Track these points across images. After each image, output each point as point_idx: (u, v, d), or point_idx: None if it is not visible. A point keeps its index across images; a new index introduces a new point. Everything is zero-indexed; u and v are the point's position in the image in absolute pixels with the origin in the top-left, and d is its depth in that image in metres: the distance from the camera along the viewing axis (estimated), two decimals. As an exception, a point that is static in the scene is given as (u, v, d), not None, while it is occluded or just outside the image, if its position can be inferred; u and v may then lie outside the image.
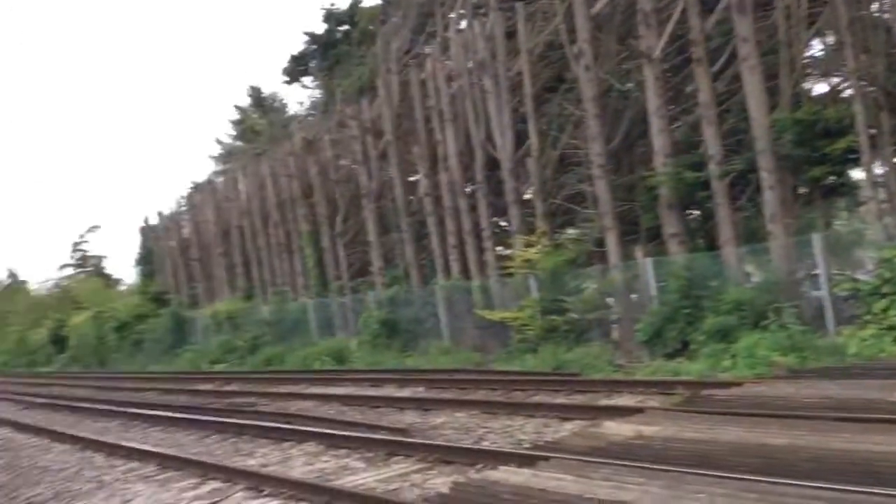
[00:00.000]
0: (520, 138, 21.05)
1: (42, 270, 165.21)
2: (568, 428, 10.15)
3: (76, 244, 60.51)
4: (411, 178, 26.17)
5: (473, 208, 22.38)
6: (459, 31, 24.52)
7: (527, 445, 9.44)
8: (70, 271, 59.68)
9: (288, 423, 13.11)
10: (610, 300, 18.10)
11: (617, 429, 8.93)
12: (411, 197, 25.23)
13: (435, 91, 23.29)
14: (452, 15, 26.38)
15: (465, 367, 17.88)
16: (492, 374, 16.11)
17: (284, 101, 43.68)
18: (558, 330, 17.40)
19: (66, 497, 10.98)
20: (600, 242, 18.96)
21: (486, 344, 19.88)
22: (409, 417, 12.67)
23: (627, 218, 19.40)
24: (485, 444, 9.80)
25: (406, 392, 15.34)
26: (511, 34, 21.38)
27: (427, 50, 26.91)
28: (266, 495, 8.91)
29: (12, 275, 64.96)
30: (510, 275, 19.88)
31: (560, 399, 12.48)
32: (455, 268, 22.54)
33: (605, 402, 11.68)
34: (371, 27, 32.22)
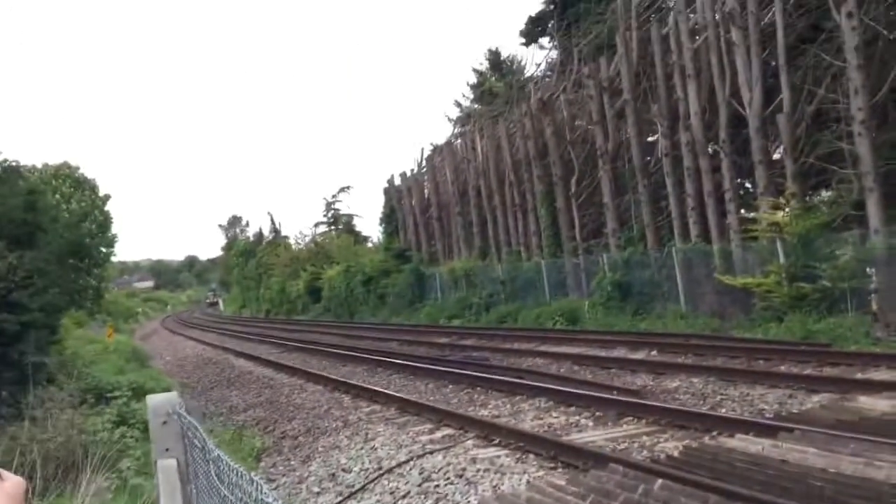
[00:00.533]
0: (769, 94, 19.70)
1: (299, 226, 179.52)
2: (815, 401, 9.53)
3: (329, 203, 64.97)
4: (649, 139, 25.42)
5: (716, 169, 21.31)
6: (706, -19, 23.24)
7: (768, 415, 8.97)
8: (323, 228, 64.32)
9: (519, 378, 13.38)
10: (869, 269, 16.58)
11: (872, 404, 8.26)
12: (648, 158, 24.50)
13: (677, 46, 22.32)
14: (698, -35, 25.07)
15: (701, 333, 17.27)
16: (731, 341, 15.41)
17: (523, 63, 43.86)
18: (807, 298, 16.26)
19: (316, 432, 11.98)
20: (859, 205, 17.37)
21: (725, 310, 19.02)
22: (642, 380, 12.48)
23: (892, 179, 17.61)
24: (721, 412, 9.45)
25: (639, 355, 15.09)
26: (763, -18, 19.92)
27: (670, 4, 25.82)
28: (496, 444, 9.18)
29: (275, 230, 71.09)
30: (754, 238, 18.81)
31: (808, 370, 11.70)
32: (694, 231, 21.67)
33: (859, 375, 10.79)
34: (612, -17, 31.46)
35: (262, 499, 2.13)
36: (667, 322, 19.59)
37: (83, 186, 46.14)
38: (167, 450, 4.12)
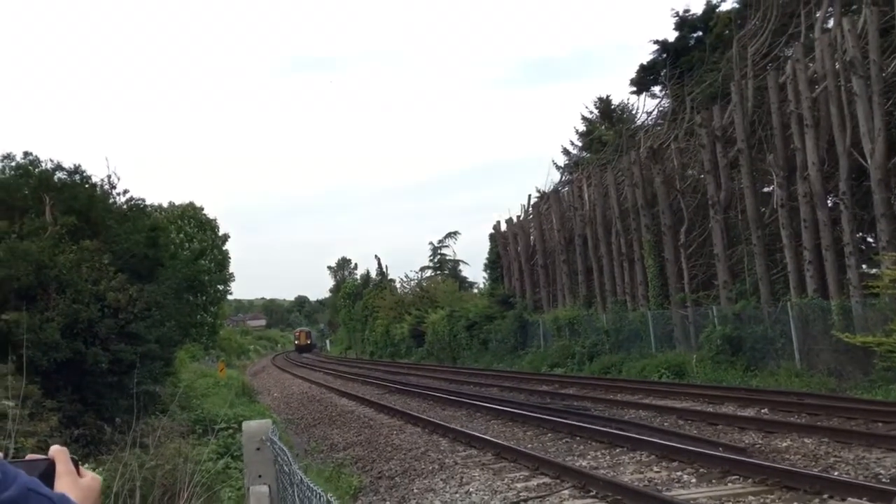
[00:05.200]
0: (892, 145, 18.84)
1: (405, 269, 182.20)
2: (939, 468, 8.89)
3: (436, 248, 65.75)
4: (764, 189, 24.65)
5: (835, 222, 20.45)
6: (826, 30, 22.61)
7: (885, 480, 8.43)
8: (429, 273, 64.98)
9: (621, 429, 13.05)
10: None
11: None
12: (763, 208, 23.74)
13: (794, 95, 21.69)
14: (818, 14, 24.40)
15: (817, 392, 16.43)
16: (848, 402, 14.60)
17: (633, 111, 43.54)
18: (934, 360, 15.30)
19: (412, 474, 11.99)
20: None
21: (842, 369, 18.07)
22: (750, 438, 11.96)
23: None
24: (834, 474, 8.93)
25: (748, 412, 14.49)
26: (886, 30, 19.21)
27: (787, 52, 25.18)
28: (592, 495, 8.96)
29: (382, 273, 72.27)
30: (876, 295, 17.87)
31: (932, 436, 10.94)
32: (810, 285, 20.76)
33: None
34: (727, 31, 30.94)
35: (335, 518, 2.16)
36: (779, 379, 18.76)
37: (205, 227, 48.30)
38: (260, 476, 4.22)
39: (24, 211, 16.48)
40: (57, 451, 1.20)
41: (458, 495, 9.90)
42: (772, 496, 8.26)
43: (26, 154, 19.17)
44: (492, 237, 44.25)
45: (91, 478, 1.22)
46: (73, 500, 0.96)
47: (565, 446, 12.75)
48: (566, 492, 9.29)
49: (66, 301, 13.76)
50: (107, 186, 20.39)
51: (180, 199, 64.89)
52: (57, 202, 16.61)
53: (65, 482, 1.15)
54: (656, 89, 37.81)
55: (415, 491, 10.78)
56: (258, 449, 4.16)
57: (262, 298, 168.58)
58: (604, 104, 46.02)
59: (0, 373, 9.01)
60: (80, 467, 1.23)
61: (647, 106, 77.58)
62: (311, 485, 2.55)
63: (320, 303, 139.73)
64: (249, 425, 4.30)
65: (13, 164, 18.81)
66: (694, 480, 9.42)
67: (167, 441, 11.78)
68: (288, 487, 3.40)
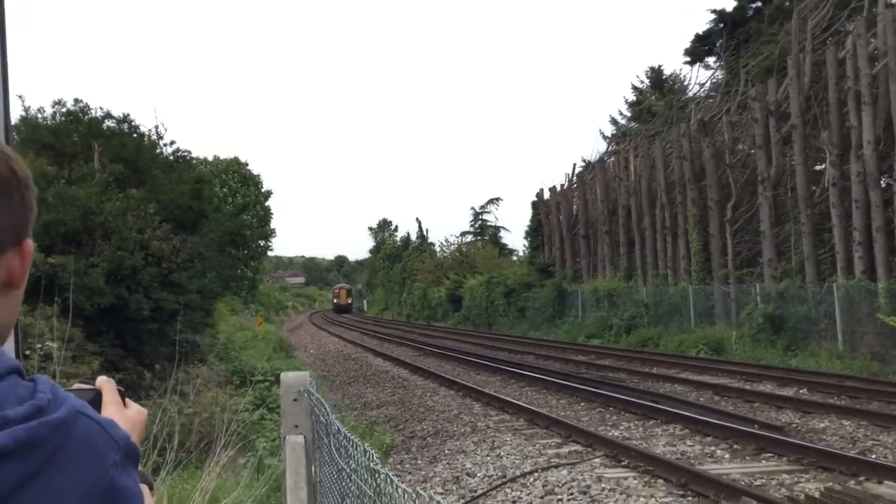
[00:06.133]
0: (955, 125, 18.26)
1: (445, 233, 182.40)
2: (982, 456, 8.70)
3: (477, 213, 65.51)
4: (816, 167, 24.08)
5: (887, 203, 19.94)
6: (890, 5, 21.83)
7: (924, 466, 8.27)
8: (469, 238, 64.89)
9: (655, 402, 12.98)
10: None
11: None
12: (814, 187, 23.21)
13: (853, 71, 21.05)
14: (884, -13, 23.58)
15: (858, 375, 16.15)
16: (890, 386, 14.30)
17: (685, 82, 42.69)
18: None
19: (444, 435, 12.07)
20: None
21: (886, 353, 17.73)
22: (787, 417, 11.81)
23: None
24: (871, 457, 8.79)
25: (786, 391, 14.30)
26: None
27: (848, 27, 24.40)
28: (624, 465, 8.94)
29: (422, 236, 72.41)
30: (926, 280, 17.45)
31: (977, 423, 10.70)
32: (858, 267, 20.32)
33: None
34: (787, 2, 30.07)
35: (371, 466, 2.15)
36: (820, 361, 18.47)
37: (249, 182, 48.70)
38: (296, 426, 4.25)
39: (73, 157, 16.75)
40: (104, 382, 1.20)
41: (488, 458, 9.94)
42: (806, 475, 8.16)
43: (77, 101, 19.44)
44: (534, 205, 43.98)
45: (137, 410, 1.23)
46: (121, 426, 0.95)
47: (598, 416, 12.72)
48: (598, 460, 9.27)
49: (112, 248, 14.00)
50: (154, 136, 20.63)
51: (225, 154, 65.50)
52: (105, 149, 16.84)
53: (111, 411, 1.14)
54: (710, 60, 37.04)
55: (446, 452, 10.85)
56: (295, 400, 4.18)
57: (302, 256, 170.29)
58: (655, 74, 45.24)
59: (46, 314, 9.20)
60: (126, 399, 1.23)
61: (699, 77, 76.13)
62: (350, 435, 2.54)
63: (359, 263, 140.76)
64: (287, 376, 4.33)
65: (63, 110, 19.08)
66: (727, 456, 9.34)
67: (205, 390, 12.00)
68: (324, 438, 3.41)
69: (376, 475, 2.13)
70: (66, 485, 0.85)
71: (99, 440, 0.90)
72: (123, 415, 1.16)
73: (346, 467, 2.67)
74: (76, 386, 1.20)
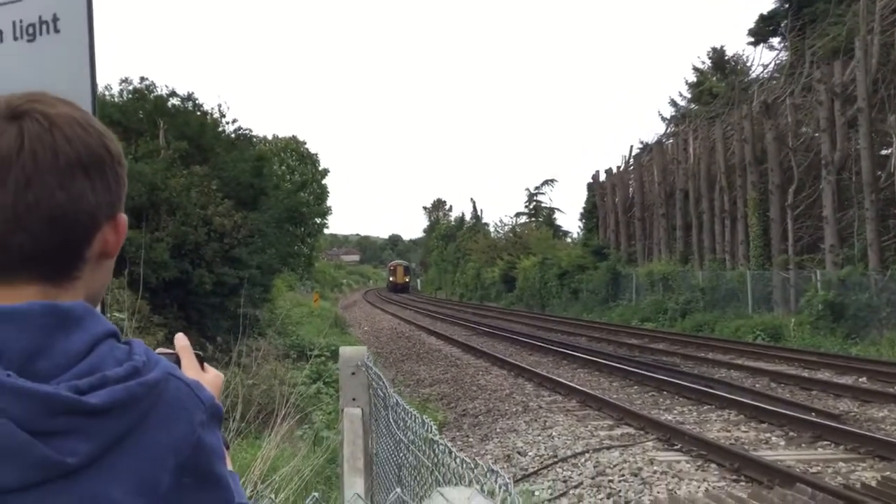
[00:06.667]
0: None
1: (500, 214, 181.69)
2: None
3: (532, 194, 65.22)
4: (882, 151, 23.42)
5: (957, 189, 19.34)
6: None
7: None
8: (524, 219, 64.71)
9: (709, 387, 12.89)
10: None
11: None
12: (880, 172, 22.59)
13: (925, 52, 20.43)
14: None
15: (921, 366, 15.77)
16: (955, 378, 13.97)
17: (748, 63, 41.75)
18: None
19: (496, 414, 12.19)
20: None
21: (952, 344, 17.27)
22: (845, 405, 11.63)
23: None
24: (933, 449, 8.62)
25: (845, 380, 14.04)
26: None
27: (921, 6, 23.59)
28: (676, 449, 8.94)
29: (476, 216, 72.44)
30: None
31: None
32: (924, 255, 19.82)
33: None
34: (856, -18, 29.21)
35: (430, 437, 2.25)
36: (881, 349, 18.06)
37: (306, 160, 49.27)
38: (354, 399, 4.38)
39: (139, 134, 17.19)
40: (182, 348, 1.28)
41: (540, 438, 10.02)
42: (863, 464, 8.06)
43: (143, 79, 19.92)
44: (589, 186, 43.65)
45: (215, 374, 1.30)
46: (205, 387, 1.04)
47: (651, 400, 12.69)
48: (650, 443, 9.28)
49: (176, 223, 14.38)
50: (217, 115, 21.01)
51: (283, 133, 66.28)
52: (170, 127, 17.23)
53: (191, 375, 1.22)
54: (775, 41, 36.21)
55: (497, 430, 10.97)
56: (353, 374, 4.31)
57: (357, 234, 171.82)
58: (717, 55, 44.33)
59: (114, 286, 9.54)
60: (204, 363, 1.31)
61: (763, 58, 74.32)
62: (408, 407, 2.65)
63: (413, 242, 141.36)
64: (346, 350, 4.46)
65: (130, 87, 19.57)
66: (783, 443, 9.26)
67: (264, 363, 12.29)
68: (381, 411, 3.53)
69: (435, 445, 2.22)
70: (159, 441, 0.91)
71: (188, 400, 0.98)
72: (202, 378, 1.24)
73: (403, 438, 2.78)
74: (158, 350, 1.29)
